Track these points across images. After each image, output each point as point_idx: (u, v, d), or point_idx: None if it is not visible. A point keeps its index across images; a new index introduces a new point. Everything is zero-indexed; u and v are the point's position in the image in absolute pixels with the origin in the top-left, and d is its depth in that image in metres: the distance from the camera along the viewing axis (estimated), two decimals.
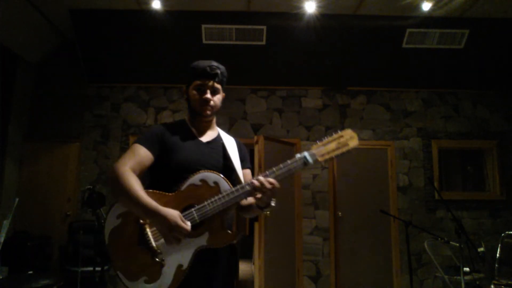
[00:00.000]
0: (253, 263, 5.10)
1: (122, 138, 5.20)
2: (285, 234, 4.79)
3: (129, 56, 5.06)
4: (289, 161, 1.40)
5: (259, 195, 1.37)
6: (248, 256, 6.52)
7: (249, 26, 4.71)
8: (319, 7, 4.35)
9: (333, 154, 1.42)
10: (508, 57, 5.09)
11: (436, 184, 5.12)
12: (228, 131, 5.23)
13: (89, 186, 3.92)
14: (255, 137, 4.59)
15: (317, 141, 1.44)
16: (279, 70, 5.23)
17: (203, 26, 4.69)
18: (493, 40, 4.91)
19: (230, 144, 1.60)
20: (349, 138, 1.43)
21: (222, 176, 1.42)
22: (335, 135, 1.44)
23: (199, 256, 1.37)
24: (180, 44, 4.83)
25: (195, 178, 1.41)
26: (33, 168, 5.10)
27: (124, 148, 5.07)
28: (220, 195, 1.38)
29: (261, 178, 1.36)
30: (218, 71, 1.54)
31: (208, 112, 1.55)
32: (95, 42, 4.92)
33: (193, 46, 4.84)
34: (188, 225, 1.33)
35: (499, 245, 3.72)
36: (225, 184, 1.40)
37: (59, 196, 5.06)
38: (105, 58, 5.11)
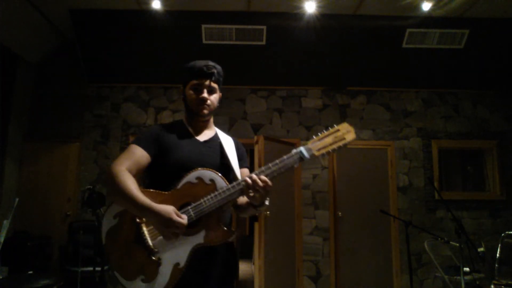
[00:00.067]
0: (253, 263, 5.10)
1: (122, 138, 5.20)
2: (285, 234, 4.79)
3: (129, 56, 5.07)
4: (285, 157, 1.40)
5: (252, 193, 1.36)
6: (248, 256, 6.52)
7: (249, 26, 4.71)
8: (319, 7, 4.35)
9: (329, 148, 1.41)
10: (508, 57, 5.09)
11: (436, 184, 5.12)
12: (228, 131, 5.26)
13: (89, 186, 3.92)
14: (255, 137, 4.59)
15: (313, 136, 1.43)
16: (279, 70, 5.23)
17: (203, 26, 4.69)
18: (493, 40, 4.91)
19: (228, 143, 1.60)
20: (346, 132, 1.43)
21: (218, 173, 1.42)
22: (331, 130, 1.43)
23: (196, 254, 1.37)
24: (180, 44, 4.83)
25: (191, 176, 1.41)
26: (33, 168, 5.10)
27: (124, 148, 5.04)
28: (216, 192, 1.38)
29: (254, 176, 1.36)
30: (215, 71, 1.55)
31: (205, 112, 1.55)
32: (95, 42, 4.92)
33: (193, 46, 4.84)
34: (184, 218, 1.33)
35: (499, 245, 3.71)
36: (221, 182, 1.40)
37: (59, 196, 5.06)
38: (105, 58, 5.11)
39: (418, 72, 5.27)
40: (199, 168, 1.42)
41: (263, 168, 1.39)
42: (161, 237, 1.37)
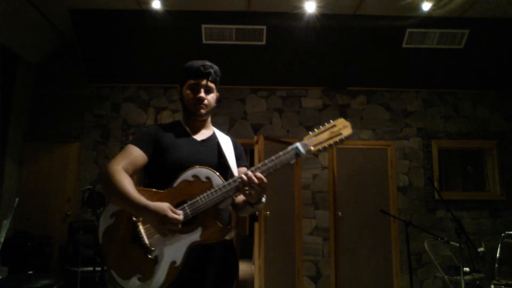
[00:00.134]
0: (253, 263, 5.10)
1: (122, 138, 5.20)
2: (285, 234, 4.79)
3: (129, 56, 5.07)
4: (281, 153, 1.39)
5: (248, 190, 1.36)
6: (248, 256, 6.52)
7: (249, 26, 4.71)
8: (319, 7, 4.35)
9: (326, 144, 1.41)
10: (508, 57, 5.09)
11: (436, 184, 5.12)
12: (228, 131, 5.27)
13: (89, 186, 3.93)
14: (255, 137, 4.59)
15: (310, 132, 1.43)
16: (279, 70, 5.23)
17: (203, 26, 4.69)
18: (493, 40, 4.91)
19: (226, 143, 1.61)
20: (342, 127, 1.44)
21: (214, 171, 1.41)
22: (327, 125, 1.43)
23: (192, 252, 1.37)
24: (180, 44, 4.83)
25: (188, 174, 1.41)
26: (33, 168, 5.10)
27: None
28: (212, 190, 1.37)
29: (249, 173, 1.35)
30: (212, 70, 1.56)
31: (202, 111, 1.56)
32: (95, 42, 4.92)
33: (193, 46, 4.84)
34: (179, 214, 1.33)
35: (499, 245, 3.72)
36: (217, 179, 1.40)
37: (59, 196, 5.06)
38: (105, 58, 5.11)
39: (418, 72, 5.27)
40: (196, 166, 1.42)
41: (259, 165, 1.39)
42: (157, 236, 1.36)
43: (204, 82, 1.54)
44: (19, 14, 4.41)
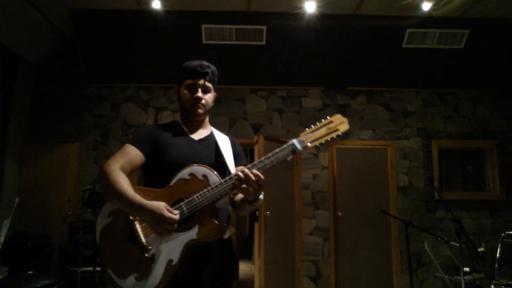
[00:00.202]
0: (253, 263, 5.10)
1: (122, 138, 5.20)
2: (285, 234, 4.79)
3: (129, 56, 5.07)
4: (277, 150, 1.39)
5: (245, 188, 1.35)
6: (248, 256, 6.52)
7: (249, 26, 4.71)
8: (319, 7, 4.35)
9: (322, 140, 1.41)
10: (508, 57, 5.09)
11: (436, 184, 5.12)
12: (228, 131, 5.27)
13: (89, 186, 3.93)
14: (255, 137, 4.59)
15: (306, 128, 1.43)
16: (279, 70, 5.23)
17: (203, 26, 4.69)
18: (493, 40, 4.91)
19: (224, 142, 1.61)
20: (339, 123, 1.44)
21: (211, 169, 1.41)
22: (324, 121, 1.44)
23: (189, 250, 1.36)
24: (180, 44, 4.83)
25: (184, 173, 1.41)
26: (33, 168, 5.10)
27: None
28: (209, 187, 1.37)
29: (246, 170, 1.35)
30: (209, 70, 1.56)
31: (200, 111, 1.56)
32: (95, 42, 4.93)
33: (193, 46, 4.84)
34: (175, 214, 1.33)
35: (499, 245, 3.72)
36: (214, 177, 1.39)
37: (59, 196, 5.06)
38: (105, 58, 5.11)
39: (418, 72, 5.27)
40: (192, 165, 1.42)
41: (255, 162, 1.39)
42: (154, 234, 1.36)
43: (201, 82, 1.55)
44: (19, 14, 4.41)
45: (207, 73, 1.55)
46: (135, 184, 1.42)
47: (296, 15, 4.49)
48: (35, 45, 5.08)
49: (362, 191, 5.15)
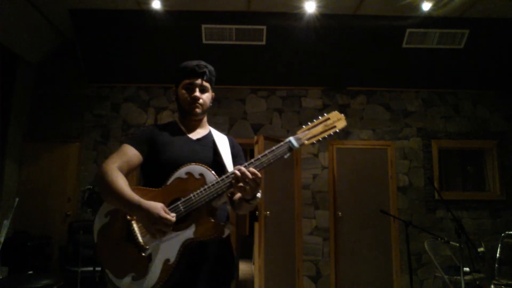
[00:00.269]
0: (253, 263, 5.10)
1: (122, 138, 5.20)
2: (285, 234, 4.79)
3: (129, 56, 5.07)
4: (274, 147, 1.39)
5: (242, 186, 1.34)
6: (248, 256, 6.52)
7: (249, 26, 4.71)
8: (319, 7, 4.35)
9: (320, 137, 1.41)
10: (508, 57, 5.09)
11: (436, 184, 5.12)
12: (228, 131, 5.27)
13: (89, 186, 3.92)
14: (255, 137, 4.59)
15: (303, 126, 1.43)
16: (279, 70, 5.23)
17: (203, 26, 4.69)
18: (493, 40, 4.91)
19: (222, 141, 1.61)
20: (336, 120, 1.43)
21: (207, 167, 1.40)
22: (321, 118, 1.43)
23: (186, 250, 1.36)
24: (180, 44, 4.83)
25: (181, 172, 1.41)
26: (33, 168, 5.10)
27: None
28: (205, 186, 1.36)
29: (242, 168, 1.35)
30: (206, 70, 1.57)
31: (197, 110, 1.56)
32: (95, 42, 4.93)
33: (193, 46, 4.84)
34: (172, 216, 1.32)
35: (499, 245, 3.72)
36: (210, 176, 1.39)
37: (59, 196, 5.06)
38: (105, 58, 5.11)
39: (418, 72, 5.27)
40: (189, 164, 1.42)
41: (252, 159, 1.38)
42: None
43: (198, 81, 1.55)
44: (19, 14, 4.41)
45: (204, 72, 1.55)
46: (135, 184, 1.42)
47: (296, 15, 4.49)
48: (35, 45, 5.08)
49: (362, 191, 5.15)
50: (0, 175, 4.70)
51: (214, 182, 1.37)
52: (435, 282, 4.92)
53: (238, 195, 1.48)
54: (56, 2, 4.40)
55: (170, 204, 1.37)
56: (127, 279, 1.35)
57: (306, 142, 1.40)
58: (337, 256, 5.02)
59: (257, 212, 4.27)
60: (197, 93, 1.55)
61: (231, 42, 4.84)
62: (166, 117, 5.27)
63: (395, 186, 5.19)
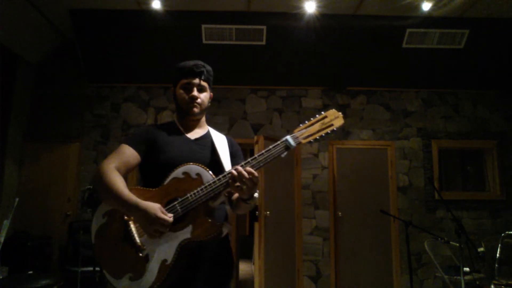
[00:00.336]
0: (253, 263, 5.10)
1: (122, 138, 5.20)
2: (285, 234, 4.79)
3: (129, 56, 5.07)
4: (271, 146, 1.38)
5: (239, 186, 1.34)
6: (248, 256, 6.52)
7: (249, 26, 4.71)
8: (319, 7, 4.35)
9: (317, 135, 1.40)
10: (508, 57, 5.09)
11: (436, 184, 5.12)
12: (228, 131, 5.27)
13: (89, 186, 3.92)
14: (255, 137, 4.59)
15: (300, 124, 1.42)
16: (279, 70, 5.23)
17: (203, 26, 4.69)
18: (493, 40, 4.91)
19: (220, 141, 1.60)
20: (334, 118, 1.43)
21: (204, 167, 1.40)
22: (318, 117, 1.43)
23: (183, 250, 1.36)
24: (180, 44, 4.83)
25: (178, 172, 1.41)
26: (33, 168, 5.10)
27: None
28: (202, 186, 1.36)
29: (239, 167, 1.34)
30: (204, 69, 1.57)
31: (196, 110, 1.56)
32: (95, 42, 4.92)
33: (193, 46, 4.84)
34: (169, 216, 1.32)
35: (499, 245, 3.72)
36: (207, 175, 1.39)
37: (59, 196, 5.06)
38: (105, 58, 5.11)
39: (418, 72, 5.27)
40: (186, 163, 1.41)
41: (249, 159, 1.37)
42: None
43: (196, 81, 1.55)
44: (19, 14, 4.41)
45: (202, 72, 1.56)
46: (135, 184, 1.42)
47: (296, 15, 4.49)
48: (35, 45, 5.08)
49: (362, 191, 5.15)
50: (0, 175, 4.70)
51: (211, 182, 1.36)
52: (435, 282, 4.92)
53: (236, 195, 1.48)
54: (56, 2, 4.40)
55: (167, 204, 1.37)
56: (125, 279, 1.35)
57: (303, 141, 1.40)
58: (337, 256, 5.02)
59: (257, 212, 4.27)
60: (195, 93, 1.55)
61: (231, 42, 4.84)
62: (166, 117, 5.27)
63: (395, 186, 5.19)
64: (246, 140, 5.10)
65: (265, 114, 5.39)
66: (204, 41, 4.81)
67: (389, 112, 5.42)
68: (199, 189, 1.36)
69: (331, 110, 1.45)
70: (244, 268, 6.32)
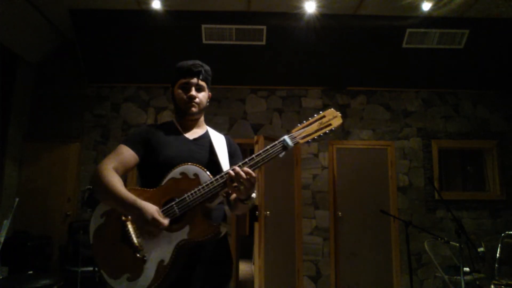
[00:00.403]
0: (253, 263, 5.10)
1: (122, 138, 5.20)
2: (285, 234, 4.79)
3: (129, 56, 5.07)
4: (268, 147, 1.38)
5: (236, 186, 1.34)
6: (248, 256, 6.52)
7: (249, 26, 4.71)
8: (319, 7, 4.35)
9: (315, 135, 1.40)
10: (508, 57, 5.09)
11: (436, 184, 5.12)
12: (228, 131, 5.27)
13: (89, 186, 3.91)
14: (255, 137, 4.59)
15: (298, 124, 1.41)
16: (279, 70, 5.23)
17: (203, 26, 4.69)
18: (493, 40, 4.91)
19: (219, 141, 1.60)
20: (332, 118, 1.42)
21: (202, 167, 1.40)
22: (316, 116, 1.42)
23: (181, 250, 1.35)
24: (180, 44, 4.83)
25: (176, 172, 1.40)
26: (33, 168, 5.10)
27: None
28: (199, 187, 1.36)
29: (236, 168, 1.34)
30: (202, 69, 1.57)
31: (194, 110, 1.56)
32: (95, 42, 4.92)
33: (193, 46, 4.84)
34: (165, 219, 1.33)
35: (499, 245, 3.72)
36: (205, 176, 1.38)
37: (59, 196, 5.06)
38: (105, 58, 5.11)
39: (418, 72, 5.27)
40: (184, 164, 1.41)
41: (246, 159, 1.37)
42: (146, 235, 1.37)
43: (194, 80, 1.55)
44: (19, 14, 4.41)
45: (200, 71, 1.55)
46: (135, 185, 1.42)
47: (296, 15, 4.49)
48: (35, 45, 5.08)
49: (362, 191, 5.15)
50: (0, 175, 4.70)
51: (209, 182, 1.36)
52: (435, 282, 4.92)
53: (234, 195, 1.48)
54: (56, 2, 4.40)
55: (164, 204, 1.37)
56: (122, 280, 1.35)
57: (300, 141, 1.39)
58: (337, 256, 5.02)
59: (257, 212, 4.27)
60: (193, 92, 1.55)
61: (231, 42, 4.84)
62: (166, 117, 5.27)
63: (395, 186, 5.19)
64: (246, 140, 5.11)
65: (265, 114, 5.39)
66: (204, 41, 4.81)
67: (389, 112, 5.42)
68: (196, 189, 1.35)
69: (329, 110, 1.45)
70: (244, 268, 6.32)
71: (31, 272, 3.77)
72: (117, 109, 5.31)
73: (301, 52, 4.99)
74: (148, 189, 1.41)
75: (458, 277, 3.57)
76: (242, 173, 1.32)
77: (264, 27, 4.72)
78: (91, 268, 3.96)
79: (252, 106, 5.40)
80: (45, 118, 5.23)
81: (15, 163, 4.99)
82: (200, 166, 1.40)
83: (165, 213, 1.35)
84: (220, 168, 1.49)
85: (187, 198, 1.35)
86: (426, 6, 4.32)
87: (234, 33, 4.76)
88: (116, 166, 1.43)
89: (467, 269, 3.62)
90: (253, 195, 1.41)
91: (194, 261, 1.42)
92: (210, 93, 1.64)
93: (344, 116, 5.39)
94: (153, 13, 4.44)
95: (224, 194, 1.44)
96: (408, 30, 4.76)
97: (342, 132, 5.28)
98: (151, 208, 1.32)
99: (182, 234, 1.35)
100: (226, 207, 1.56)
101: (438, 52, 4.97)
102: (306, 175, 5.18)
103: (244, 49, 4.93)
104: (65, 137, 5.21)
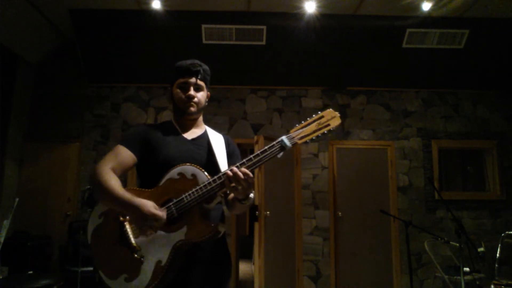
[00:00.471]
0: (253, 263, 5.10)
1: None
2: (285, 234, 4.79)
3: (129, 56, 5.07)
4: (266, 147, 1.38)
5: (234, 186, 1.33)
6: (248, 256, 6.52)
7: (249, 26, 4.71)
8: (319, 7, 4.35)
9: (313, 136, 1.39)
10: (508, 57, 5.09)
11: (436, 184, 5.12)
12: (228, 131, 5.27)
13: (89, 186, 3.92)
14: (255, 137, 4.59)
15: (296, 124, 1.41)
16: (279, 70, 5.23)
17: (203, 26, 4.69)
18: (493, 40, 4.91)
19: (217, 141, 1.60)
20: (331, 118, 1.42)
21: (200, 168, 1.39)
22: (315, 116, 1.42)
23: (178, 251, 1.35)
24: (180, 44, 4.83)
25: (173, 172, 1.40)
26: (33, 168, 5.10)
27: None
28: (197, 187, 1.36)
29: (234, 168, 1.34)
30: (200, 69, 1.56)
31: (192, 109, 1.56)
32: (95, 42, 4.92)
33: (193, 46, 4.84)
34: (162, 210, 1.32)
35: (499, 245, 3.72)
36: (203, 176, 1.38)
37: (59, 196, 5.06)
38: (105, 58, 5.11)
39: (418, 72, 5.27)
40: (182, 164, 1.41)
41: (244, 160, 1.37)
42: (144, 235, 1.36)
43: (193, 80, 1.55)
44: (19, 14, 4.41)
45: (198, 71, 1.55)
46: (135, 185, 1.42)
47: (296, 15, 4.49)
48: (35, 45, 5.08)
49: (362, 191, 5.15)
50: (0, 175, 4.70)
51: (206, 182, 1.36)
52: (435, 282, 4.92)
53: (232, 195, 1.47)
54: (56, 2, 4.40)
55: (162, 205, 1.37)
56: (120, 280, 1.35)
57: (298, 141, 1.38)
58: (337, 256, 5.02)
59: (257, 212, 4.27)
60: (192, 92, 1.55)
61: (231, 42, 4.83)
62: (166, 117, 5.26)
63: (395, 186, 5.19)
64: (246, 140, 5.11)
65: (265, 114, 5.39)
66: (204, 41, 4.80)
67: (389, 112, 5.42)
68: (194, 190, 1.35)
69: (328, 110, 1.44)
70: (244, 268, 6.32)
71: (31, 272, 3.77)
72: (117, 109, 5.31)
73: (301, 52, 4.99)
74: (146, 190, 1.41)
75: (458, 277, 3.57)
76: (239, 173, 1.32)
77: (264, 27, 4.72)
78: (91, 268, 3.96)
79: (252, 106, 5.40)
80: (45, 118, 5.23)
81: (15, 163, 4.99)
82: (198, 167, 1.40)
83: None
84: (218, 168, 1.48)
85: (185, 199, 1.35)
86: (426, 6, 4.32)
87: (234, 33, 4.76)
88: (113, 166, 1.43)
89: (467, 269, 3.62)
90: (251, 195, 1.41)
91: (192, 261, 1.42)
92: (209, 93, 1.63)
93: (344, 116, 5.40)
94: (153, 13, 4.44)
95: (222, 194, 1.44)
96: (408, 30, 4.76)
97: (342, 132, 5.28)
98: (148, 204, 1.32)
99: (180, 235, 1.35)
100: (225, 207, 1.55)
101: (438, 52, 4.97)
102: (306, 175, 5.18)
103: (244, 49, 4.93)
104: (65, 137, 5.21)
